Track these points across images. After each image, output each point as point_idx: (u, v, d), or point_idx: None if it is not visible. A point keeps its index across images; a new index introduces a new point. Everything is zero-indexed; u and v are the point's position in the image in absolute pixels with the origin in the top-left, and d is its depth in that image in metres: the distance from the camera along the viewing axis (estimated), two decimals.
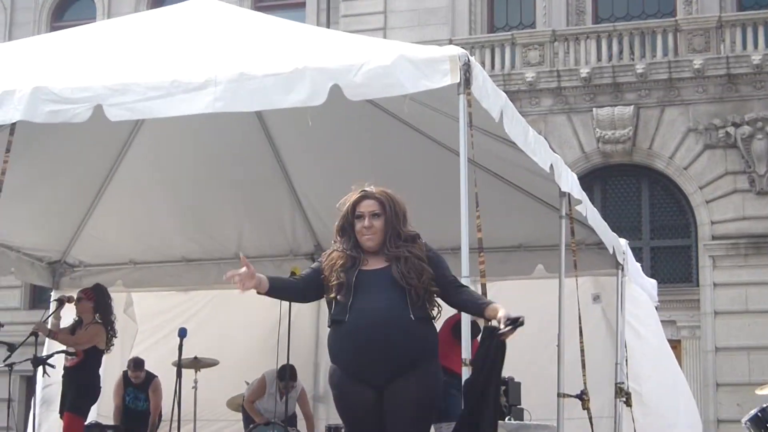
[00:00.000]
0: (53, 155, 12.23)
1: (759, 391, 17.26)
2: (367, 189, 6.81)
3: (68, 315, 14.00)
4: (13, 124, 9.21)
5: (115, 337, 12.16)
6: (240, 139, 12.92)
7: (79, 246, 14.67)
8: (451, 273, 6.65)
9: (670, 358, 14.75)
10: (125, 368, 14.82)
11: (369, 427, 6.44)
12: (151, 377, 13.89)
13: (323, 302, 14.95)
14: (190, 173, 13.38)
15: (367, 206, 6.70)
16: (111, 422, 13.64)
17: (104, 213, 13.92)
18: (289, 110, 10.16)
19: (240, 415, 13.70)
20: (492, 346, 6.47)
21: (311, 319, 14.94)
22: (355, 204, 6.74)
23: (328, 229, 14.31)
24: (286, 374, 12.53)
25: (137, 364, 13.75)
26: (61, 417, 11.98)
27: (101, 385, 12.25)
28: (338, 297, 6.58)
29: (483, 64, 24.21)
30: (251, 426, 12.66)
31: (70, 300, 13.27)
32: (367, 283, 6.52)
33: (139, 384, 13.78)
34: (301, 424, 13.30)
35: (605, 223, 12.15)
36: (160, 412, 13.84)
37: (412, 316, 6.38)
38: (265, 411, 12.77)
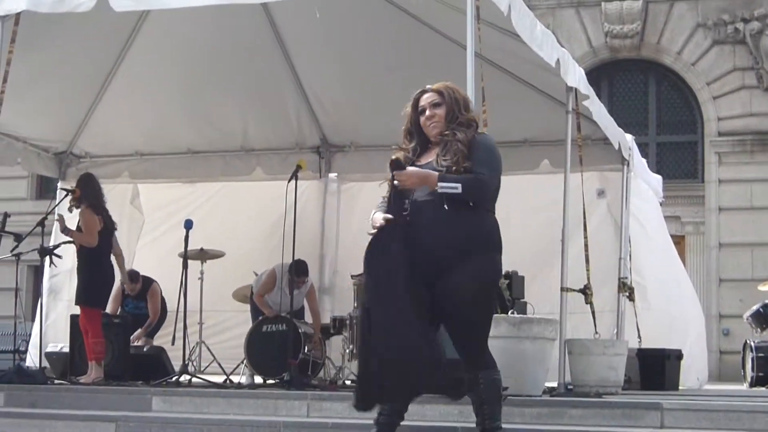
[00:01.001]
0: (59, 46, 12.18)
1: (761, 287, 17.42)
2: (427, 86, 6.86)
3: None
4: (18, 14, 9.18)
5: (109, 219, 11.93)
6: (247, 32, 12.85)
7: (85, 137, 14.68)
8: (482, 166, 6.49)
9: (673, 253, 14.81)
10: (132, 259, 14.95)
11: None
12: (148, 284, 13.89)
13: (329, 195, 15.14)
14: (196, 66, 13.32)
15: (427, 99, 6.73)
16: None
17: (110, 104, 13.90)
18: (296, 3, 10.14)
19: (246, 306, 13.78)
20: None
21: (316, 213, 15.01)
22: (416, 101, 6.79)
23: (333, 122, 14.42)
24: (299, 269, 12.57)
25: (132, 276, 13.71)
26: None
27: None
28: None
29: None
30: (260, 318, 12.75)
31: (75, 193, 13.28)
32: None
33: (136, 295, 13.79)
34: (308, 318, 13.37)
35: (611, 119, 12.11)
36: (163, 310, 13.90)
37: (446, 206, 6.37)
38: (274, 304, 12.84)
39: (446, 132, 6.59)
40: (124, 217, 15.31)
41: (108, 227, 11.82)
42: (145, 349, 12.90)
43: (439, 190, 6.30)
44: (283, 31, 13.08)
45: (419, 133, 6.77)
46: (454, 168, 6.42)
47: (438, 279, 6.36)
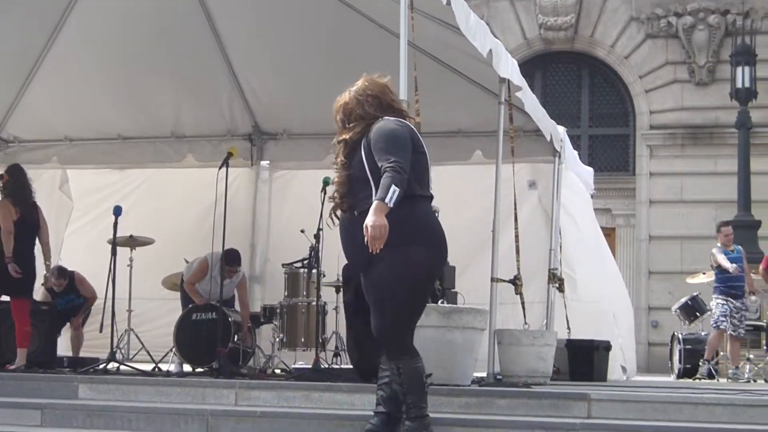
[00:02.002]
0: None
1: (690, 280, 17.62)
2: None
3: None
4: None
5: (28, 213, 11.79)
6: (180, 18, 12.76)
7: (13, 121, 14.49)
8: (382, 154, 6.43)
9: (603, 245, 14.90)
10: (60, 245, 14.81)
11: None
12: (71, 275, 13.69)
13: (260, 183, 15.05)
14: (128, 51, 13.20)
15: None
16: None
17: (39, 89, 13.74)
18: None
19: (175, 294, 13.68)
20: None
21: (248, 201, 14.95)
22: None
23: (266, 109, 14.35)
24: (232, 258, 12.50)
25: (61, 272, 13.53)
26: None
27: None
28: None
29: None
30: (190, 306, 12.65)
31: (2, 178, 13.11)
32: None
33: (63, 290, 13.59)
34: (238, 308, 13.29)
35: (544, 110, 12.15)
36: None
37: (356, 212, 6.53)
38: (204, 292, 12.75)
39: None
40: (52, 203, 15.17)
41: (26, 220, 11.66)
42: None
43: (391, 205, 6.22)
44: (216, 17, 12.99)
45: None
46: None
47: (366, 270, 6.57)
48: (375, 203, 6.24)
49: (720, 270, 15.77)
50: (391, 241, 6.27)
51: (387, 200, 6.19)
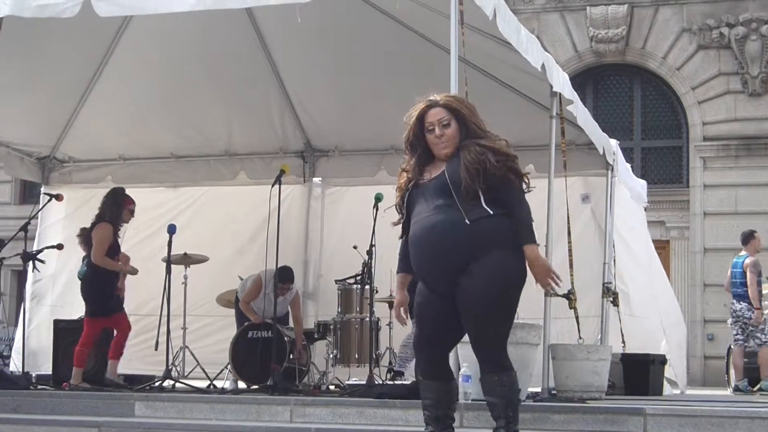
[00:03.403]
0: (42, 51, 12.17)
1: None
2: (431, 98, 6.51)
3: (55, 212, 14.08)
4: (1, 19, 9.14)
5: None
6: (230, 37, 12.83)
7: (68, 141, 14.64)
8: (514, 195, 6.31)
9: (655, 258, 14.82)
10: None
11: (429, 326, 6.40)
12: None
13: (313, 200, 15.09)
14: (180, 71, 13.30)
15: (435, 115, 6.42)
16: None
17: (93, 109, 13.87)
18: (280, 8, 10.11)
19: (229, 311, 13.74)
20: None
21: (300, 217, 14.99)
22: (422, 116, 6.46)
23: (318, 126, 14.40)
24: (285, 276, 12.53)
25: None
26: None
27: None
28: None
29: None
30: (246, 324, 12.71)
31: (59, 198, 13.26)
32: (419, 196, 6.40)
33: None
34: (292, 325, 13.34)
35: (596, 123, 12.11)
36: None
37: (467, 220, 6.19)
38: (259, 310, 12.80)
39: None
40: None
41: (116, 242, 11.88)
42: None
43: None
44: (267, 35, 13.06)
45: (423, 146, 6.49)
46: (469, 179, 6.20)
47: (459, 280, 6.23)
48: (534, 247, 6.24)
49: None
50: (498, 244, 6.21)
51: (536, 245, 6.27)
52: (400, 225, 6.60)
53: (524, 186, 6.43)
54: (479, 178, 6.22)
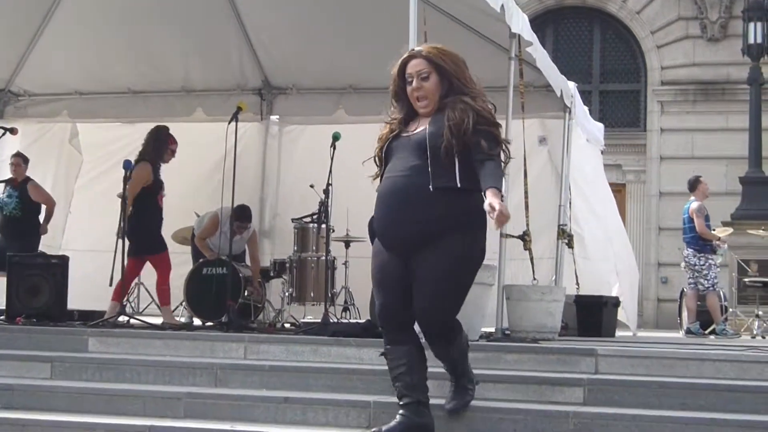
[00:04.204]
0: None
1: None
2: (414, 48, 6.22)
3: (10, 146, 13.95)
4: None
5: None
6: None
7: (24, 75, 14.50)
8: (486, 145, 5.96)
9: (610, 202, 14.88)
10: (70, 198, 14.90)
11: (392, 294, 6.16)
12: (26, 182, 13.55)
13: (270, 138, 15.02)
14: (138, 5, 13.17)
15: (414, 66, 6.10)
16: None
17: (49, 43, 13.73)
18: None
19: (186, 248, 13.71)
20: None
21: (257, 155, 14.93)
22: (403, 67, 6.14)
23: (276, 64, 14.32)
24: (243, 214, 12.53)
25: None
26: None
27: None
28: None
29: None
30: (201, 260, 12.69)
31: (13, 131, 13.13)
32: (397, 150, 6.12)
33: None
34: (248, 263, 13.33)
35: (554, 66, 12.10)
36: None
37: (431, 186, 5.93)
38: (215, 247, 12.78)
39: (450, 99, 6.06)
40: (62, 156, 15.24)
41: (157, 180, 12.10)
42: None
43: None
44: None
45: (407, 99, 6.20)
46: (449, 140, 5.92)
47: (416, 253, 6.03)
48: (495, 191, 5.79)
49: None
50: (460, 225, 5.99)
51: (503, 191, 5.89)
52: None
53: (502, 156, 6.13)
54: (460, 139, 5.95)
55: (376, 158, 6.31)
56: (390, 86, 6.24)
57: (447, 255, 5.97)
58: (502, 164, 6.09)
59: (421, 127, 6.10)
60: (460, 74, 6.11)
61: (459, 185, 5.97)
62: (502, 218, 5.71)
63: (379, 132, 6.35)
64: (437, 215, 5.95)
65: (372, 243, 6.44)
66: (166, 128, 12.35)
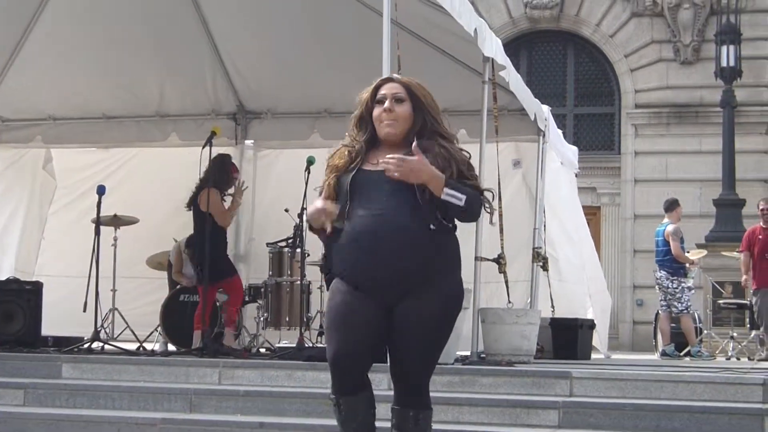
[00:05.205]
0: None
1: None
2: (393, 75, 5.65)
3: None
4: None
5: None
6: None
7: None
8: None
9: (583, 226, 14.93)
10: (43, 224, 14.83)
11: (357, 335, 5.32)
12: None
13: (245, 162, 14.96)
14: (112, 31, 13.16)
15: (390, 88, 5.44)
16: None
17: (23, 68, 13.69)
18: None
19: (160, 273, 13.69)
20: None
21: None
22: (377, 88, 5.48)
23: (250, 89, 14.33)
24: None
25: None
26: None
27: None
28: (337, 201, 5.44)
29: None
30: (178, 287, 12.69)
31: None
32: (367, 185, 5.38)
33: None
34: None
35: (528, 90, 12.15)
36: None
37: (432, 225, 5.29)
38: (190, 276, 12.78)
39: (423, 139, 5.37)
40: (36, 182, 15.19)
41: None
42: None
43: (443, 197, 5.20)
44: None
45: (370, 125, 5.47)
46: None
47: (399, 300, 5.32)
48: (440, 173, 5.25)
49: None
50: (448, 269, 5.42)
51: (446, 188, 5.21)
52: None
53: (488, 211, 5.53)
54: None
55: (326, 186, 5.53)
56: (357, 112, 5.54)
57: (438, 303, 5.37)
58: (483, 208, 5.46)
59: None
60: (435, 113, 5.52)
61: (450, 225, 5.44)
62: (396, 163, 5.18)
63: (327, 156, 5.67)
64: (429, 258, 5.35)
65: (327, 287, 5.60)
66: (230, 156, 12.39)
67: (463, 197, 5.21)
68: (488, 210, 5.51)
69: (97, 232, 11.85)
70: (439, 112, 5.54)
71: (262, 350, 11.98)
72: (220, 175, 11.89)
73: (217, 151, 12.10)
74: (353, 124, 5.54)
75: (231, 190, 12.16)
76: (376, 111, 5.44)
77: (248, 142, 14.93)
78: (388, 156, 5.21)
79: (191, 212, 12.06)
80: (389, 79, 5.56)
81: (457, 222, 5.44)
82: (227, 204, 12.02)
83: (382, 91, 5.46)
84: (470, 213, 5.32)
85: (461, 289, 5.50)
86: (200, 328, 11.41)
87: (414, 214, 5.30)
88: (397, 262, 5.28)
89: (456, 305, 5.46)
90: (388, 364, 5.41)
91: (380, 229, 5.30)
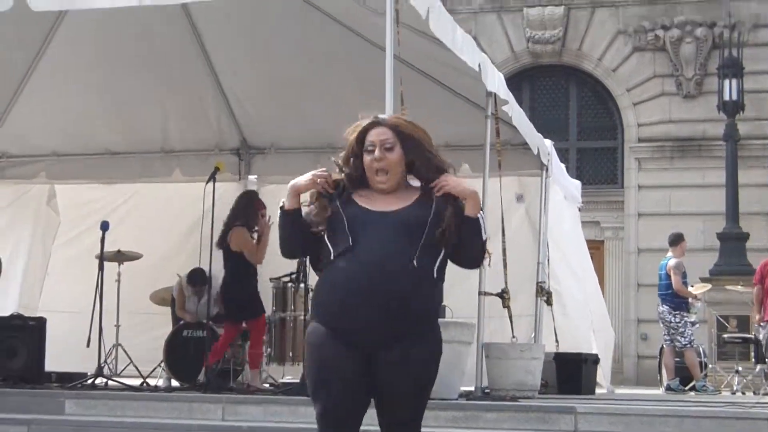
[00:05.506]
0: None
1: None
2: (379, 116, 5.23)
3: None
4: None
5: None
6: (166, 33, 12.78)
7: (1, 137, 14.47)
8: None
9: (587, 261, 14.92)
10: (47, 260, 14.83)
11: (345, 391, 4.98)
12: None
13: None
14: (116, 67, 13.20)
15: (378, 135, 5.12)
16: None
17: (27, 104, 13.73)
18: (216, 4, 10.09)
19: (163, 309, 13.69)
20: None
21: None
22: (363, 132, 5.15)
23: (254, 123, 14.36)
24: (196, 279, 12.56)
25: None
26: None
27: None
28: (326, 233, 5.10)
29: None
30: (181, 323, 12.70)
31: None
32: (362, 224, 5.05)
33: None
34: None
35: (531, 124, 12.18)
36: None
37: (434, 273, 5.06)
38: (192, 311, 12.80)
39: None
40: (40, 218, 15.19)
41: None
42: None
43: (478, 216, 5.05)
44: (203, 32, 13.01)
45: (361, 172, 5.17)
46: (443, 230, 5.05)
47: (385, 350, 4.99)
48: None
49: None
50: (430, 318, 5.15)
51: (482, 214, 5.09)
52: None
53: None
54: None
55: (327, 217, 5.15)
56: (344, 154, 5.25)
57: (433, 347, 5.13)
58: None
59: (398, 205, 5.13)
60: (428, 146, 5.22)
61: (437, 275, 5.15)
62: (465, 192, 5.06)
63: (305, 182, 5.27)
64: (434, 309, 5.16)
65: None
66: (256, 193, 12.41)
67: (486, 231, 5.09)
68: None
69: (101, 268, 11.88)
70: (432, 143, 5.26)
71: (266, 386, 11.96)
72: (248, 212, 11.87)
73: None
74: (343, 162, 5.25)
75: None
76: (367, 159, 5.15)
77: (252, 177, 14.93)
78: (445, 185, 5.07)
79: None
80: (376, 123, 5.19)
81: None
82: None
83: (370, 138, 5.15)
84: (482, 250, 5.18)
85: (441, 342, 5.19)
86: (214, 360, 11.44)
87: (410, 258, 5.01)
88: (392, 307, 4.95)
89: (440, 350, 5.16)
90: (376, 414, 5.10)
91: (373, 273, 4.97)
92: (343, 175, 5.20)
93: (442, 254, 5.14)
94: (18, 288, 14.68)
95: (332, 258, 5.02)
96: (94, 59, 13.13)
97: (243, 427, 8.00)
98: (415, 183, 5.22)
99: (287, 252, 5.35)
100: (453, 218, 5.07)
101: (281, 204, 5.24)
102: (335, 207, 5.11)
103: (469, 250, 5.17)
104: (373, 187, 5.16)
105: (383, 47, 8.88)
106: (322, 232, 5.10)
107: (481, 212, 5.10)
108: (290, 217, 5.20)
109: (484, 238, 5.09)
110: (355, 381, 4.98)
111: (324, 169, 5.23)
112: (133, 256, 13.79)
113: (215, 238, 11.51)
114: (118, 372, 13.39)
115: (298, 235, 5.20)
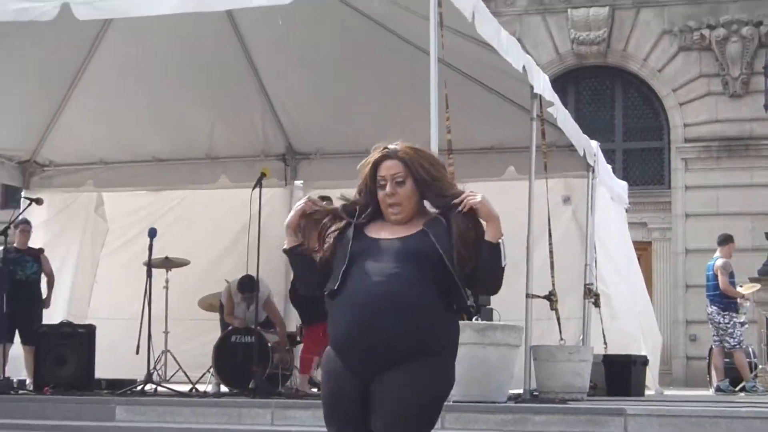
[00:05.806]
0: (22, 55, 12.15)
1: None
2: (389, 147, 5.11)
3: (36, 216, 14.04)
4: None
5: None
6: (211, 40, 12.83)
7: (49, 146, 14.61)
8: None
9: (634, 262, 14.85)
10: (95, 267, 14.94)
11: (350, 424, 4.94)
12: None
13: (294, 203, 15.00)
14: (161, 74, 13.28)
15: (389, 169, 5.07)
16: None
17: (74, 113, 13.84)
18: (261, 10, 10.12)
19: (211, 315, 13.73)
20: None
21: (282, 220, 14.85)
22: (375, 165, 5.09)
23: (299, 129, 14.40)
24: (244, 286, 12.59)
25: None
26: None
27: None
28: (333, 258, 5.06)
29: None
30: (230, 328, 12.74)
31: (39, 202, 13.25)
32: (373, 251, 4.99)
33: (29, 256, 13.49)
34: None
35: (576, 125, 12.13)
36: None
37: (438, 300, 4.90)
38: (240, 317, 12.84)
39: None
40: (88, 225, 15.29)
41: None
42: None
43: (499, 241, 4.91)
44: (247, 38, 13.06)
45: (374, 200, 5.09)
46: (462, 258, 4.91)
47: (378, 376, 4.88)
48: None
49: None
50: (435, 350, 4.94)
51: (502, 240, 4.93)
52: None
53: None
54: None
55: (321, 243, 5.11)
56: (358, 186, 5.17)
57: (434, 375, 4.94)
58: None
59: (405, 232, 5.06)
60: (440, 175, 5.13)
61: (442, 302, 5.00)
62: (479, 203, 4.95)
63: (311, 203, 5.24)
64: (425, 333, 4.93)
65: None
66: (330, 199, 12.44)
67: (505, 256, 4.92)
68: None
69: (149, 275, 11.93)
70: (443, 171, 5.18)
71: (315, 390, 11.97)
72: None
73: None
74: (356, 192, 5.16)
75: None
76: (380, 194, 5.06)
77: (298, 182, 14.98)
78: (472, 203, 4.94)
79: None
80: (386, 157, 5.10)
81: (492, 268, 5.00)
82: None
83: (381, 173, 5.08)
84: (500, 277, 4.97)
85: (449, 376, 4.99)
86: (306, 372, 11.58)
87: (422, 287, 4.90)
88: (397, 333, 4.84)
89: (440, 387, 4.96)
90: None
91: (386, 298, 4.87)
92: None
93: (452, 280, 4.96)
94: (67, 296, 14.78)
95: (335, 286, 4.94)
96: (138, 67, 13.22)
97: (292, 431, 8.03)
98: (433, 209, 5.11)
99: (303, 288, 5.33)
100: (472, 239, 4.96)
101: (283, 247, 5.17)
102: (347, 235, 5.04)
103: (487, 275, 4.99)
104: (387, 219, 5.09)
105: (427, 50, 8.88)
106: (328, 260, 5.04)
107: (502, 238, 4.93)
108: (293, 256, 5.14)
109: (503, 264, 4.93)
110: (356, 407, 4.91)
111: (307, 197, 5.24)
112: (180, 263, 13.86)
113: (262, 245, 11.53)
114: (168, 378, 13.44)
115: (307, 271, 5.16)
